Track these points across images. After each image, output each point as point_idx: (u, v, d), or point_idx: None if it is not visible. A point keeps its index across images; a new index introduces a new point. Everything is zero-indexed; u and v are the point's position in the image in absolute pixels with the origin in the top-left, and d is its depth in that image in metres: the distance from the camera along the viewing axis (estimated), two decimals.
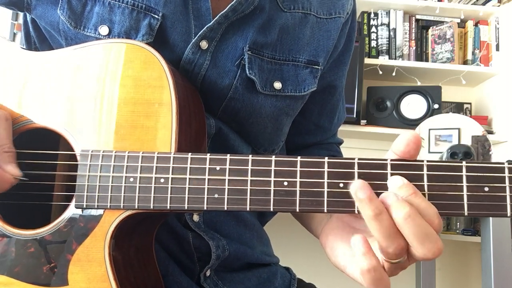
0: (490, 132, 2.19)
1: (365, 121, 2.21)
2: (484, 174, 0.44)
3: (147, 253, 0.59)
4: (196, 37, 0.62)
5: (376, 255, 0.44)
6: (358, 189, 0.43)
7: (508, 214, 0.43)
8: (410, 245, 0.43)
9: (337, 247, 0.53)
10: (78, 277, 0.51)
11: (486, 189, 0.44)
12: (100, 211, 0.51)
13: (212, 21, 0.62)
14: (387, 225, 0.42)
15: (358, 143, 2.34)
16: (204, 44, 0.63)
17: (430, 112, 2.14)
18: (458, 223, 2.25)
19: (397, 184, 0.44)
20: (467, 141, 1.84)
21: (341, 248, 0.52)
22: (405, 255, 0.44)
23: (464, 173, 0.44)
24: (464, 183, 0.44)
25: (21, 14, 0.71)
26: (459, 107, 2.46)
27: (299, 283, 0.78)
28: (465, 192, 0.44)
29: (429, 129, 1.96)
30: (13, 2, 0.65)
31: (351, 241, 0.44)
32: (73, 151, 0.54)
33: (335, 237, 0.54)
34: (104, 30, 0.62)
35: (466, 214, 0.44)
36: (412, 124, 2.12)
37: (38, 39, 0.72)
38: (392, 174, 0.45)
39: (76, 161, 0.53)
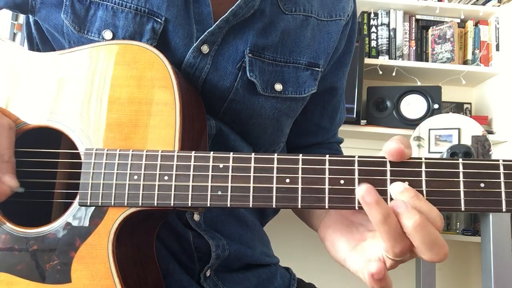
0: (490, 132, 2.19)
1: (365, 121, 2.22)
2: (480, 171, 0.45)
3: (148, 251, 0.59)
4: (197, 42, 0.63)
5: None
6: (365, 193, 0.44)
7: (504, 210, 0.44)
8: (418, 250, 0.44)
9: (337, 241, 0.53)
10: (81, 274, 0.52)
11: (482, 185, 0.45)
12: (104, 209, 0.52)
13: (213, 26, 0.63)
14: (395, 227, 0.43)
15: (358, 143, 2.34)
16: (205, 48, 0.64)
17: (430, 112, 2.14)
18: (458, 223, 2.25)
19: (398, 189, 0.45)
20: (467, 141, 1.84)
21: (341, 241, 0.53)
22: (409, 253, 0.45)
23: (460, 169, 0.46)
24: (461, 179, 0.45)
25: (21, 15, 0.72)
26: (459, 107, 2.46)
27: (299, 283, 0.79)
28: (461, 188, 0.45)
29: (429, 129, 1.97)
30: (18, 4, 0.65)
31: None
32: (77, 150, 0.54)
33: (335, 230, 0.55)
34: (108, 34, 0.62)
35: (463, 209, 0.45)
36: (412, 124, 2.12)
37: (40, 41, 0.72)
38: (391, 171, 0.46)
39: (79, 160, 0.53)
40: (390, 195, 0.46)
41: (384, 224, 0.43)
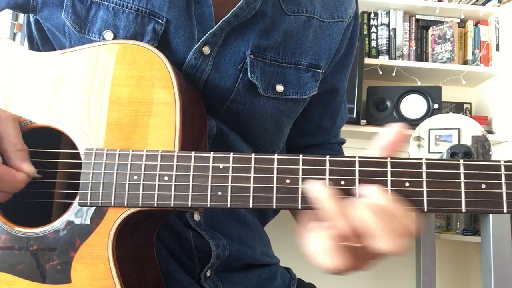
0: (490, 132, 2.19)
1: (365, 121, 2.22)
2: (481, 172, 0.45)
3: (148, 252, 0.59)
4: (198, 43, 0.63)
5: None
6: (309, 185, 0.47)
7: (505, 211, 0.45)
8: (374, 238, 0.44)
9: (306, 224, 0.53)
10: (81, 274, 0.52)
11: (483, 186, 0.45)
12: (104, 209, 0.52)
13: (215, 27, 0.63)
14: (336, 205, 0.45)
15: (358, 143, 2.34)
16: (206, 50, 0.63)
17: (430, 112, 2.14)
18: (458, 223, 2.25)
19: (373, 191, 0.45)
20: (467, 141, 1.85)
21: (310, 224, 0.53)
22: (359, 238, 0.45)
23: (461, 170, 0.46)
24: (462, 180, 0.45)
25: (21, 14, 0.72)
26: (459, 107, 2.46)
27: (299, 283, 0.79)
28: (462, 189, 0.45)
29: (429, 129, 1.97)
30: (19, 5, 0.65)
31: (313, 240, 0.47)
32: (77, 150, 0.54)
33: (309, 219, 0.56)
34: (108, 35, 0.62)
35: (464, 210, 0.45)
36: (412, 124, 2.12)
37: (40, 40, 0.72)
38: (392, 172, 0.46)
39: (80, 160, 0.53)
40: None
41: (322, 202, 0.45)
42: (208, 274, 0.67)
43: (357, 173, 0.47)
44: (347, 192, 0.47)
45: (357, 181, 0.47)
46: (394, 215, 0.44)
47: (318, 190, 0.46)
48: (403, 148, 0.47)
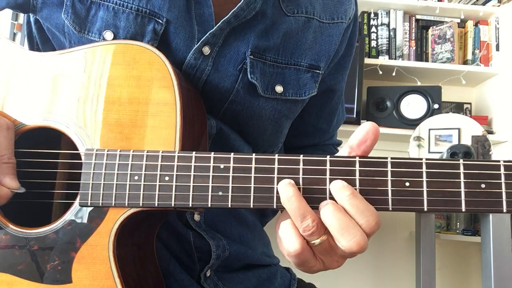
0: (490, 132, 2.19)
1: (365, 121, 2.20)
2: (481, 172, 0.45)
3: (148, 252, 0.60)
4: (198, 43, 0.63)
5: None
6: (280, 182, 0.48)
7: (504, 210, 0.45)
8: (333, 236, 0.46)
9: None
10: (82, 275, 0.52)
11: (483, 186, 0.45)
12: (104, 209, 0.52)
13: (215, 27, 0.63)
14: (296, 205, 0.46)
15: None
16: (206, 50, 0.63)
17: (430, 112, 2.14)
18: (458, 223, 2.25)
19: (337, 187, 0.46)
20: (467, 141, 1.84)
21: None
22: (322, 236, 0.46)
23: (461, 170, 0.46)
24: (462, 180, 0.46)
25: (21, 14, 0.72)
26: (459, 107, 2.46)
27: (299, 283, 0.79)
28: (462, 189, 0.45)
29: (429, 129, 1.97)
30: (19, 4, 0.65)
31: (280, 226, 0.48)
32: (77, 150, 0.54)
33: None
34: (108, 35, 0.62)
35: (463, 210, 0.45)
36: (412, 124, 2.12)
37: (40, 40, 0.72)
38: (392, 172, 0.46)
39: (80, 160, 0.53)
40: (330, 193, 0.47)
41: (287, 202, 0.46)
42: (208, 274, 0.67)
43: (357, 173, 0.47)
44: None
45: (357, 181, 0.47)
46: (350, 213, 0.45)
47: (281, 188, 0.47)
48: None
